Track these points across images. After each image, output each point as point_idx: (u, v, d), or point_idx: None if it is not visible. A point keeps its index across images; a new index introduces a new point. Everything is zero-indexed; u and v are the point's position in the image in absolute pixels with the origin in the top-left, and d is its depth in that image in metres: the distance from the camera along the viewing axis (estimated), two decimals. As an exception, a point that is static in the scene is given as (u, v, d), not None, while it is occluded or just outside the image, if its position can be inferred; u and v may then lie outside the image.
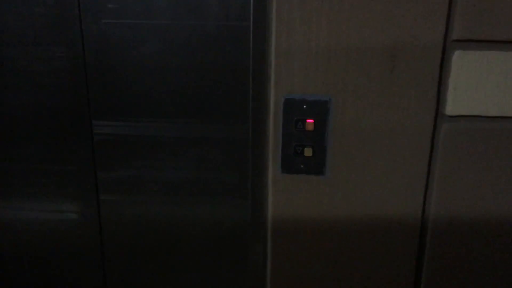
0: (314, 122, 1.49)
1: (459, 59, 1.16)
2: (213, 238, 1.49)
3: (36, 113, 1.40)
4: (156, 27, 1.30)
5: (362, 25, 1.20)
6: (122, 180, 1.43)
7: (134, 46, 1.32)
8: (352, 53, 1.18)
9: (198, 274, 1.48)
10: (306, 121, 1.47)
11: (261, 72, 1.41)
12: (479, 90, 1.24)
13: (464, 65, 1.22)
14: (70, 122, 1.40)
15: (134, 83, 1.35)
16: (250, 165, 1.37)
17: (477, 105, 1.23)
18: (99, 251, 1.50)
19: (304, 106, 1.45)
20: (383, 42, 1.16)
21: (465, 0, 1.09)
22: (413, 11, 1.11)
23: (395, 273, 1.35)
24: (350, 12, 1.13)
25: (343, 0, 1.11)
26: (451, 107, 1.20)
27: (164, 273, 1.50)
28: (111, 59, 1.34)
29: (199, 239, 1.48)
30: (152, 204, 1.46)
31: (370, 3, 1.10)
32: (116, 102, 1.39)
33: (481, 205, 1.26)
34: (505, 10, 1.09)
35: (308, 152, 1.52)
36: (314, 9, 1.13)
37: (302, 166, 1.54)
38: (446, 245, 1.32)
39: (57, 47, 1.35)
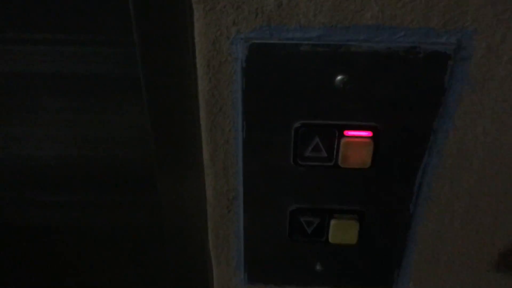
0: (374, 137, 0.37)
1: None
2: None
3: None
4: None
5: None
6: None
7: None
8: None
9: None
10: (342, 135, 0.38)
11: None
12: None
13: None
14: None
15: None
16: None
17: None
18: None
19: (338, 75, 0.34)
20: None
21: None
22: None
23: None
24: None
25: None
26: None
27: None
28: None
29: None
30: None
31: None
32: None
33: None
34: None
35: (339, 232, 0.43)
36: None
37: (318, 267, 0.46)
38: None
39: None
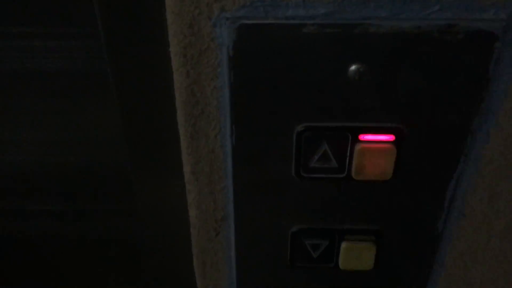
0: (397, 142, 0.30)
1: None
2: None
3: None
4: None
5: None
6: None
7: None
8: None
9: None
10: (357, 140, 0.31)
11: None
12: None
13: None
14: None
15: None
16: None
17: None
18: None
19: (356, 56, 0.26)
20: None
21: None
22: None
23: None
24: None
25: None
26: None
27: None
28: None
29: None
30: None
31: None
32: None
33: None
34: None
35: (351, 256, 0.36)
36: None
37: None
38: None
39: None
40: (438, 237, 0.35)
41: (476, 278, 0.38)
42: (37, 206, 0.60)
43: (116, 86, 0.42)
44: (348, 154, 0.31)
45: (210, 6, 0.26)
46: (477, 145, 0.31)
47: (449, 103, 0.29)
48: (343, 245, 0.36)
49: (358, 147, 0.31)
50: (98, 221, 0.59)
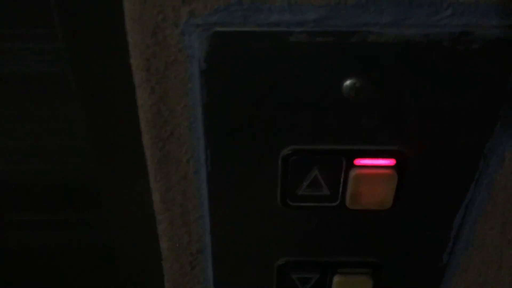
0: (398, 167, 0.26)
1: None
2: None
3: None
4: None
5: None
6: None
7: None
8: None
9: None
10: (351, 165, 0.27)
11: None
12: None
13: None
14: None
15: None
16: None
17: None
18: None
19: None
20: None
21: None
22: None
23: None
24: None
25: None
26: None
27: None
28: None
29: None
30: None
31: None
32: None
33: None
34: None
35: (345, 287, 0.31)
36: None
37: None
38: None
39: None
40: (442, 269, 0.31)
41: (483, 311, 0.34)
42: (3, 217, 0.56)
43: (80, 90, 0.37)
44: (341, 180, 0.27)
45: (176, 10, 0.22)
46: (490, 170, 0.27)
47: (460, 123, 0.25)
48: (336, 278, 0.32)
49: (353, 172, 0.26)
50: (67, 230, 0.56)
